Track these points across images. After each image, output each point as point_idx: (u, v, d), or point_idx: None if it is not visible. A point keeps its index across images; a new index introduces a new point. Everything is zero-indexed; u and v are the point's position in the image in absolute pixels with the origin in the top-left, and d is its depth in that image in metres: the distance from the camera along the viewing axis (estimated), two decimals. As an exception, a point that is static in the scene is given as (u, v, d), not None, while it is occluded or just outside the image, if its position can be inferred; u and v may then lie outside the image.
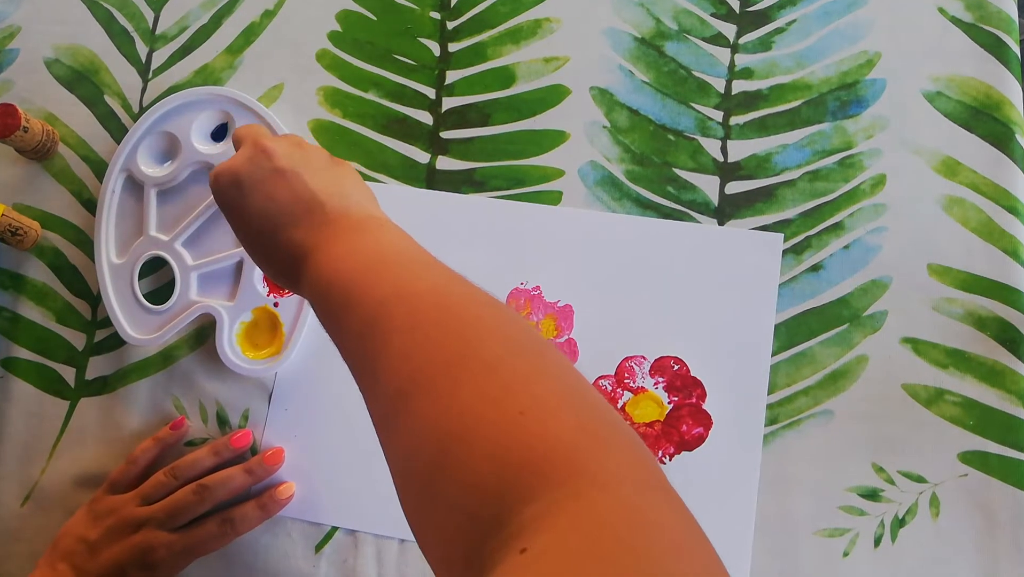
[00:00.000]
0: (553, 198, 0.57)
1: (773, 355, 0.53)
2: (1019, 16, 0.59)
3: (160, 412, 0.56)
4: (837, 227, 0.54)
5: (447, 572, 0.26)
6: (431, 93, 0.60)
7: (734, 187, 0.56)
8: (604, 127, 0.58)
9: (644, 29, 0.59)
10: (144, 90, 0.62)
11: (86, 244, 0.59)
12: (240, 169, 0.41)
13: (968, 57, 0.56)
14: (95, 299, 0.59)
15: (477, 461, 0.26)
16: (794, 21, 0.58)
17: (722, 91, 0.57)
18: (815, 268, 0.54)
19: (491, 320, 0.32)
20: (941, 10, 0.57)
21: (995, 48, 0.56)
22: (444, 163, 0.58)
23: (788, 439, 0.51)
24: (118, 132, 0.61)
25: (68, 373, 0.58)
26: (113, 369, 0.57)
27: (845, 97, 0.56)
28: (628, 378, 0.53)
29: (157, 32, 0.63)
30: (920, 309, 0.52)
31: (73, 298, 0.59)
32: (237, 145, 0.44)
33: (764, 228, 0.55)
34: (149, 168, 0.59)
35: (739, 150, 0.56)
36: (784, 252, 0.54)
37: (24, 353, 0.58)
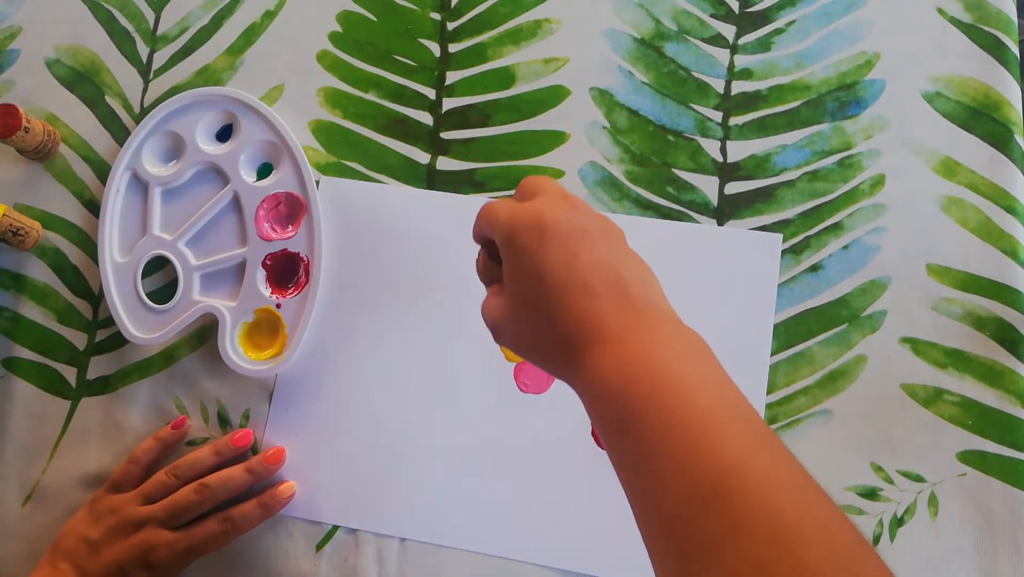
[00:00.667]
0: (553, 198, 0.57)
1: (772, 355, 0.53)
2: (1018, 16, 0.59)
3: (161, 412, 0.56)
4: (836, 227, 0.54)
5: None
6: (431, 94, 0.60)
7: (733, 187, 0.56)
8: (604, 128, 0.58)
9: (644, 30, 0.59)
10: (145, 90, 0.62)
11: (87, 244, 0.60)
12: (547, 214, 0.36)
13: (967, 58, 0.56)
14: (96, 299, 0.59)
15: None
16: (793, 22, 0.58)
17: (721, 92, 0.58)
18: (814, 268, 0.54)
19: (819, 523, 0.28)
20: (940, 11, 0.57)
21: (994, 49, 0.56)
22: (444, 164, 0.58)
23: (787, 439, 0.51)
24: (119, 132, 0.61)
25: (69, 373, 0.58)
26: (114, 369, 0.58)
27: (844, 98, 0.56)
28: (628, 378, 0.53)
29: (158, 33, 0.63)
30: (919, 309, 0.53)
31: (74, 298, 0.59)
32: (528, 192, 0.39)
33: (763, 228, 0.55)
34: (154, 167, 0.59)
35: (738, 150, 0.56)
36: (783, 252, 0.54)
37: (25, 353, 0.59)
